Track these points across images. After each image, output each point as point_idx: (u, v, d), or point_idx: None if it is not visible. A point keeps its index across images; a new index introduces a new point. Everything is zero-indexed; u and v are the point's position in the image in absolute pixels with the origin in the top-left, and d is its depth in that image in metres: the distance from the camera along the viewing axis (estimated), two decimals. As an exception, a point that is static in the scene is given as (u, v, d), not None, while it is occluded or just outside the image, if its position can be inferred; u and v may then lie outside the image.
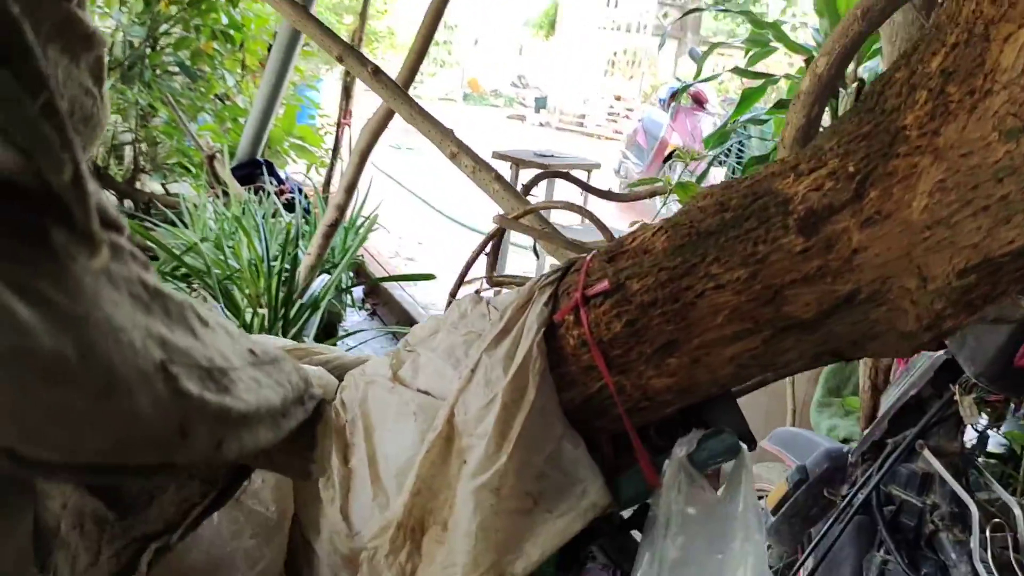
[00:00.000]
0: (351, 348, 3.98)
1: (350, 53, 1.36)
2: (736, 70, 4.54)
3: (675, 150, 9.60)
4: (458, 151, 1.18)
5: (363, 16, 4.46)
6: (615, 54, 17.43)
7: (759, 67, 4.65)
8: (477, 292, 1.25)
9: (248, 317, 2.86)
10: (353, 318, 5.40)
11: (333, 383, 1.02)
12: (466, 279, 1.19)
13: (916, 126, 0.79)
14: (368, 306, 5.68)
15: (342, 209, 3.40)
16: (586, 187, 1.39)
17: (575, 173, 5.36)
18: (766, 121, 4.52)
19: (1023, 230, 0.78)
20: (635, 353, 0.87)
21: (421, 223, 8.37)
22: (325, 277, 3.31)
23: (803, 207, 0.82)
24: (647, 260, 0.88)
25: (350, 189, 3.41)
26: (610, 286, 0.87)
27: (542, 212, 1.31)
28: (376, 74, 1.32)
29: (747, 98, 4.55)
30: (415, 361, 0.95)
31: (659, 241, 0.89)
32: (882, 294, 0.82)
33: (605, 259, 0.92)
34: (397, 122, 3.21)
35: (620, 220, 9.58)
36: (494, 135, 15.99)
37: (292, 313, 2.87)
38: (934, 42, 0.81)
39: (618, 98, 17.05)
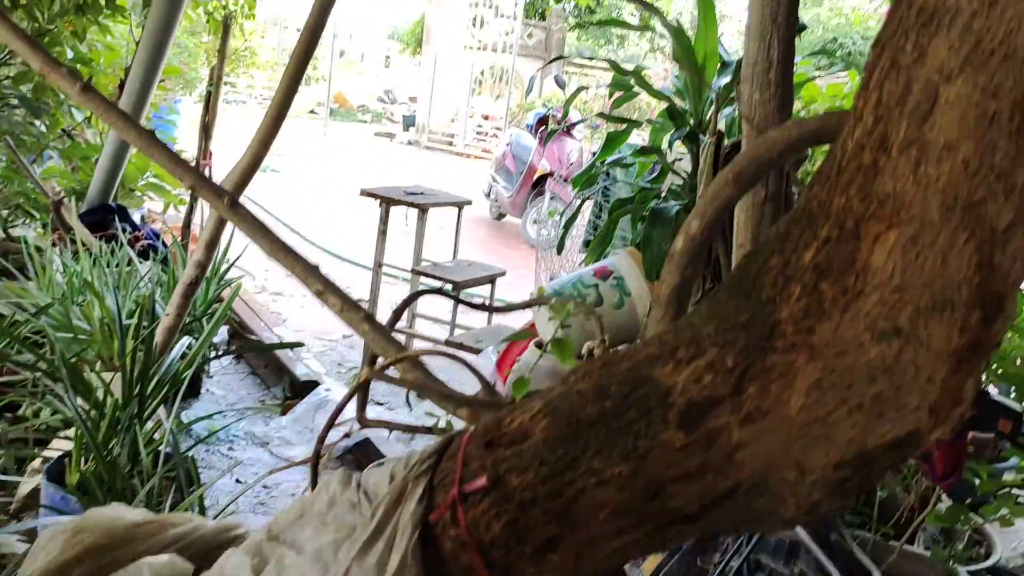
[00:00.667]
0: (215, 415, 3.80)
1: (204, 184, 1.27)
2: (601, 115, 4.62)
3: (543, 175, 9.72)
4: (324, 289, 1.11)
5: (222, 53, 4.28)
6: (482, 73, 17.52)
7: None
8: (347, 435, 1.18)
9: (100, 394, 2.66)
10: (217, 364, 5.18)
11: (187, 573, 0.94)
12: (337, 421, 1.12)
13: (792, 321, 0.79)
14: (234, 349, 5.46)
15: (203, 267, 3.24)
16: (462, 302, 1.35)
17: (446, 210, 5.32)
18: (631, 165, 4.63)
19: (895, 424, 0.78)
20: (516, 553, 0.83)
21: (288, 253, 8.13)
22: (187, 340, 3.14)
23: (683, 400, 0.80)
24: (527, 450, 0.84)
25: (211, 246, 3.25)
26: (488, 482, 0.83)
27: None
28: (233, 206, 1.23)
29: (612, 141, 4.66)
30: (280, 562, 0.87)
31: (539, 427, 0.85)
32: (762, 486, 0.81)
33: (483, 444, 0.88)
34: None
35: (494, 243, 9.55)
36: (362, 155, 15.78)
37: (150, 388, 2.70)
38: (807, 232, 0.81)
39: (486, 117, 17.14)
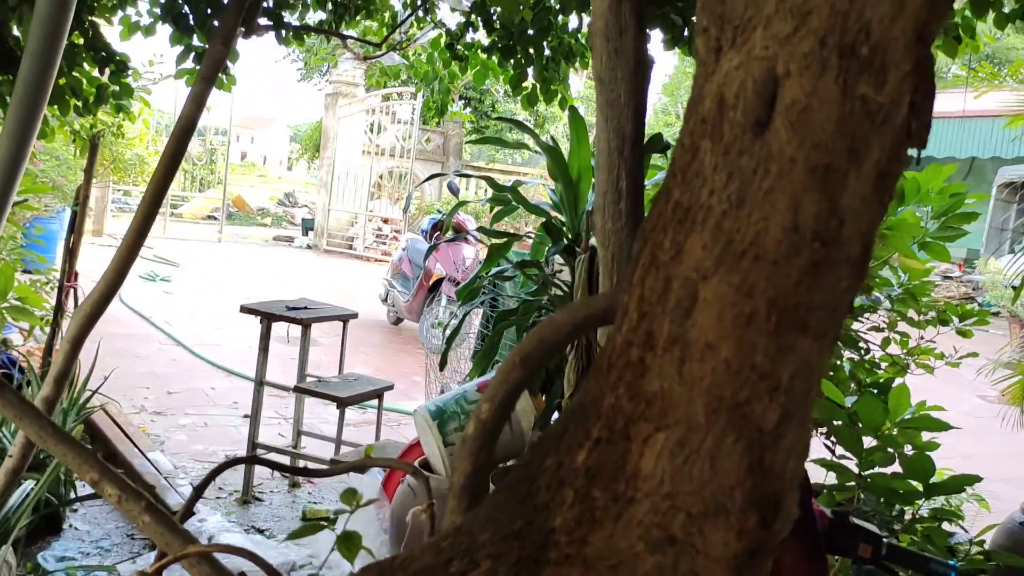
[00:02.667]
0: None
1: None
2: (481, 229, 4.65)
3: (440, 279, 9.71)
4: (100, 478, 1.01)
5: (88, 173, 4.15)
6: (380, 176, 17.63)
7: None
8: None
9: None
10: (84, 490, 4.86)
11: None
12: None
13: (565, 531, 0.74)
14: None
15: (51, 403, 3.05)
16: (277, 468, 1.26)
17: (331, 326, 5.18)
18: (512, 277, 4.65)
19: (677, 639, 0.73)
20: None
21: (174, 366, 7.83)
22: (29, 484, 2.91)
23: (454, 622, 0.74)
24: None
25: (60, 381, 3.06)
26: None
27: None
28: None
29: (494, 254, 4.68)
30: None
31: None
32: None
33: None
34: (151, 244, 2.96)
35: (390, 349, 9.42)
36: (259, 261, 15.52)
37: (-20, 542, 2.47)
38: (580, 432, 0.77)
39: (385, 220, 17.18)
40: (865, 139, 0.68)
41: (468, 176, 5.26)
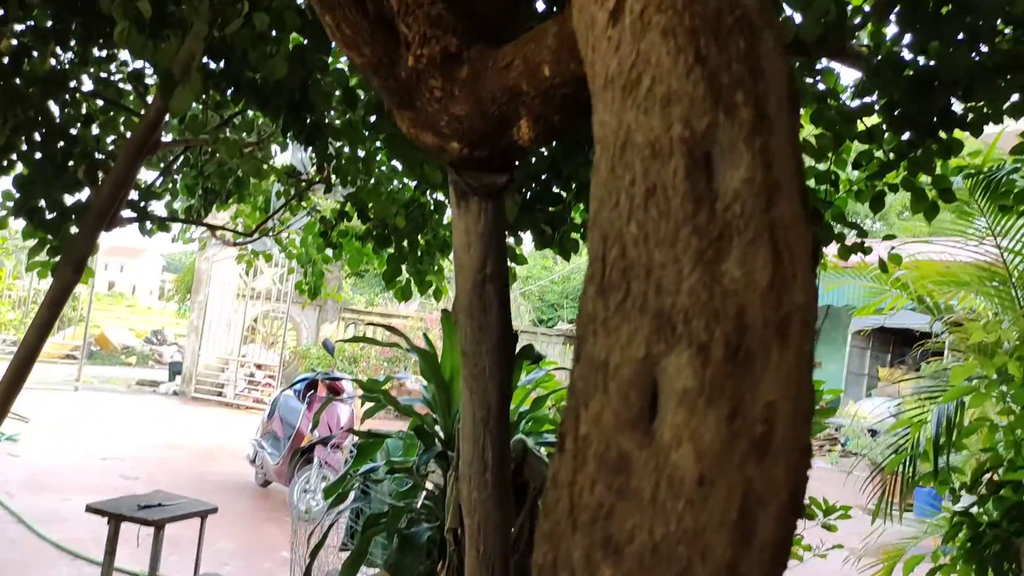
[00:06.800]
0: None
1: None
2: (352, 431, 4.51)
3: (310, 442, 9.36)
4: None
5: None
6: (255, 320, 17.19)
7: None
8: None
9: None
10: None
11: None
12: None
13: None
14: None
15: None
16: None
17: (188, 524, 4.82)
18: (382, 480, 4.49)
19: None
20: None
21: (13, 549, 7.11)
22: None
23: None
24: None
25: None
26: None
27: None
28: None
29: (364, 452, 4.53)
30: None
31: None
32: None
33: None
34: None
35: (257, 516, 8.87)
36: (120, 411, 14.58)
37: None
38: None
39: (259, 366, 16.64)
40: None
41: (364, 311, 5.03)
